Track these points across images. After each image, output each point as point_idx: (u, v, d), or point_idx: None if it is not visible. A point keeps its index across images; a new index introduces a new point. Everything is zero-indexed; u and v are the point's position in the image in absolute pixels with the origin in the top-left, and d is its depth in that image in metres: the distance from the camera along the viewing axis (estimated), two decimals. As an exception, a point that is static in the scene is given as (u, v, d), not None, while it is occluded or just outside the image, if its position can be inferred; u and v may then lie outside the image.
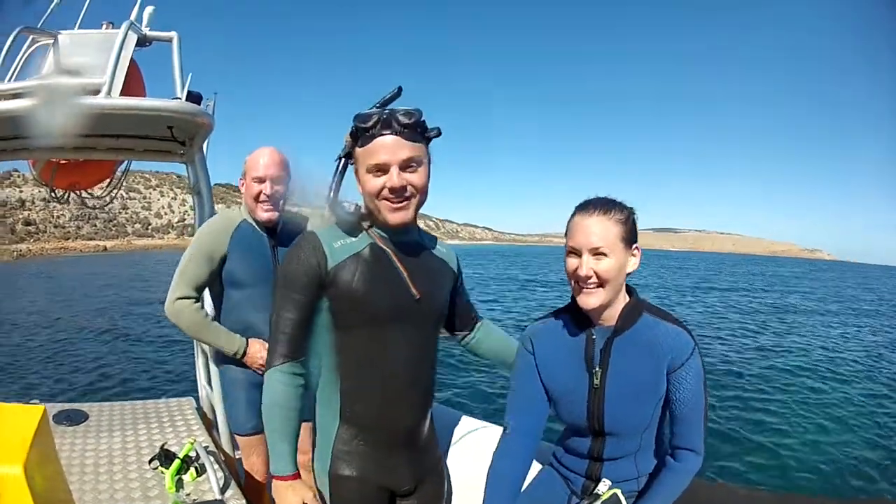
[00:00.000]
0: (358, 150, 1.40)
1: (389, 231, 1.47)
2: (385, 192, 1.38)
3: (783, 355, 11.67)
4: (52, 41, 2.89)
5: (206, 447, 2.45)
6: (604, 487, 1.47)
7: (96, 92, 2.60)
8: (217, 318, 2.34)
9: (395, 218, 1.41)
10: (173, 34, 3.11)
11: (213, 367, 2.67)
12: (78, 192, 3.93)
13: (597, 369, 1.44)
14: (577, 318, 1.50)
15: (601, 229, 1.36)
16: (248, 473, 2.39)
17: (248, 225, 2.25)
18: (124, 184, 4.20)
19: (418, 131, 1.39)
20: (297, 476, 1.45)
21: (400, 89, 1.43)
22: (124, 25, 2.91)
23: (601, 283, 1.38)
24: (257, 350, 2.19)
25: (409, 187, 1.39)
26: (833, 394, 8.83)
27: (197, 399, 3.35)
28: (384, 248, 1.47)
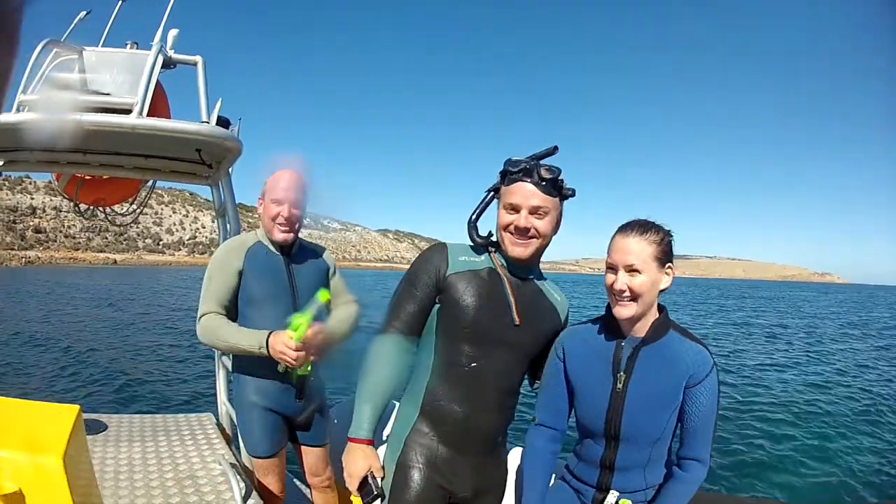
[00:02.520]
0: (503, 187, 1.61)
1: (510, 262, 1.63)
2: (511, 228, 1.58)
3: (795, 370, 11.65)
4: (76, 56, 2.90)
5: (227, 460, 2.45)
6: (612, 499, 1.57)
7: (127, 111, 2.60)
8: None
9: (514, 251, 1.59)
10: (198, 58, 3.13)
11: (233, 387, 2.63)
12: (102, 208, 3.92)
13: (621, 374, 1.54)
14: (609, 327, 1.62)
15: (636, 248, 1.49)
16: (266, 490, 2.34)
17: (262, 246, 2.25)
18: (147, 202, 4.21)
19: (554, 186, 1.56)
20: (371, 442, 1.56)
21: (555, 148, 1.61)
22: (154, 48, 2.92)
23: (634, 297, 1.49)
24: (280, 340, 2.04)
25: (532, 230, 1.56)
26: (840, 407, 8.88)
27: (216, 415, 3.33)
28: (501, 274, 1.63)
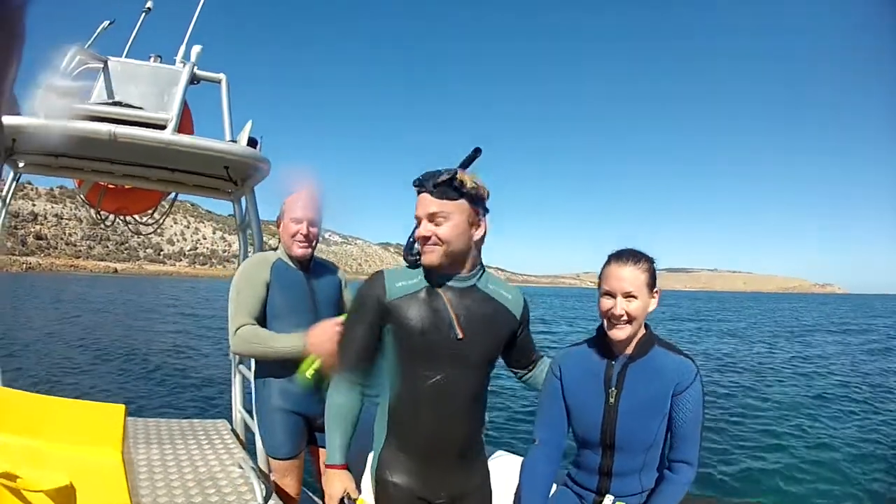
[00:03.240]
0: None
1: (445, 276, 1.67)
2: (420, 238, 1.64)
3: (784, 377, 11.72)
4: (101, 66, 2.95)
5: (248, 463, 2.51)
6: (608, 503, 1.69)
7: (161, 127, 2.65)
8: None
9: (424, 260, 1.64)
10: (222, 76, 3.19)
11: (254, 393, 2.69)
12: (123, 218, 3.97)
13: (613, 389, 1.68)
14: (600, 347, 1.75)
15: (632, 276, 1.64)
16: (283, 492, 2.42)
17: (282, 263, 2.38)
18: (169, 212, 4.25)
19: (451, 189, 1.59)
20: (344, 467, 1.71)
21: (477, 150, 1.66)
22: (188, 67, 2.99)
23: (629, 321, 1.63)
24: (317, 335, 2.16)
25: (433, 237, 1.60)
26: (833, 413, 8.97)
27: (230, 421, 3.37)
28: (438, 291, 1.67)
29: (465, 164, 1.63)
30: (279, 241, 2.41)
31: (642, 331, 1.71)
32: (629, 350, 1.69)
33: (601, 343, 1.75)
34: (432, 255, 1.63)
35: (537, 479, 1.80)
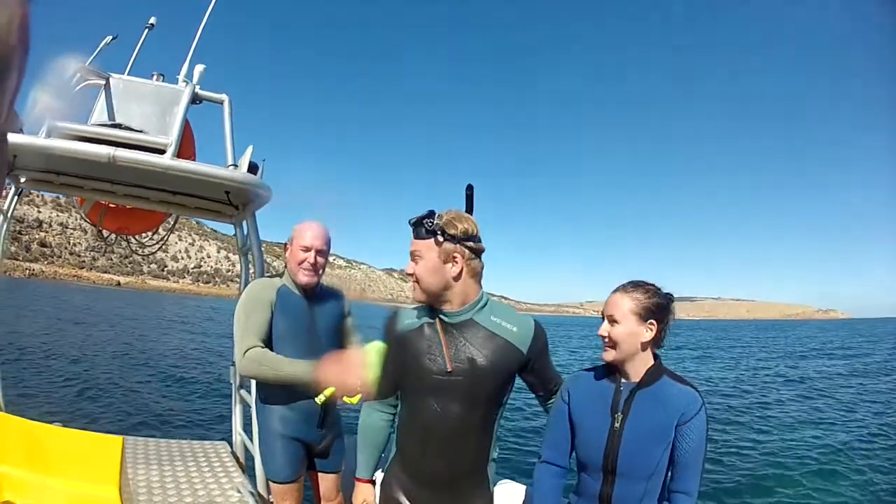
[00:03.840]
0: None
1: (443, 312, 1.74)
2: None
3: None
4: (103, 83, 2.94)
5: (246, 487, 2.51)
6: None
7: (161, 151, 2.63)
8: None
9: (412, 295, 1.76)
10: (224, 97, 3.17)
11: (254, 417, 2.69)
12: (125, 237, 3.93)
13: (619, 414, 1.69)
14: (609, 373, 1.78)
15: (618, 302, 1.70)
16: None
17: (286, 289, 2.39)
18: (169, 236, 4.22)
19: (423, 229, 1.70)
20: (370, 481, 1.93)
21: (470, 187, 1.80)
22: (188, 90, 2.97)
23: (612, 345, 1.69)
24: (328, 366, 2.13)
25: (413, 273, 1.73)
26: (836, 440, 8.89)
27: (230, 443, 3.34)
28: (435, 325, 1.75)
29: (469, 207, 1.78)
30: (285, 266, 2.43)
31: (651, 360, 1.72)
32: (637, 378, 1.70)
33: (611, 369, 1.77)
34: (413, 292, 1.76)
35: (547, 491, 1.85)
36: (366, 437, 1.92)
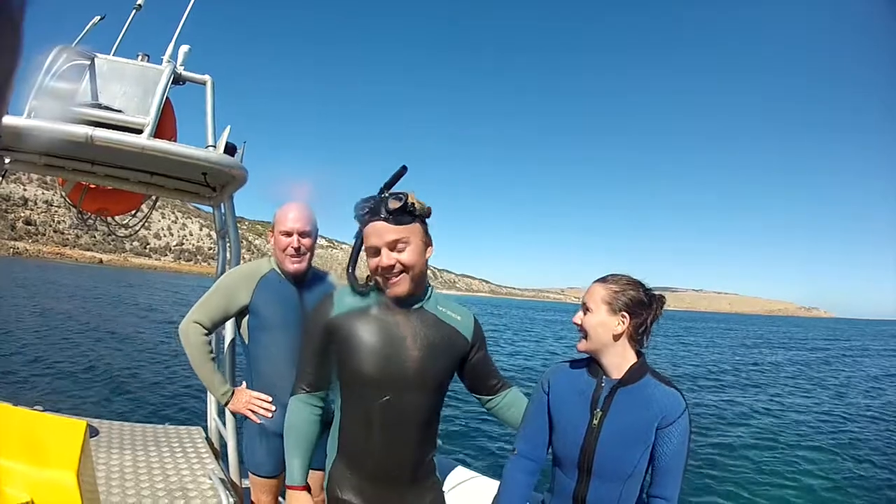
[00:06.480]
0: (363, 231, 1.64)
1: (394, 299, 1.65)
2: (379, 270, 1.60)
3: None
4: (88, 63, 2.91)
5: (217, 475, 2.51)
6: None
7: (138, 131, 2.63)
8: (249, 365, 2.40)
9: (394, 291, 1.62)
10: (207, 77, 3.14)
11: None
12: (105, 218, 3.93)
13: (598, 411, 1.63)
14: (592, 368, 1.71)
15: (592, 291, 1.68)
16: None
17: (275, 274, 2.33)
18: (149, 216, 4.22)
19: (405, 213, 1.58)
20: (304, 488, 1.73)
21: (404, 168, 1.64)
22: (167, 70, 2.95)
23: (584, 333, 1.67)
24: (243, 402, 2.31)
25: (397, 265, 1.58)
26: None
27: (205, 429, 3.34)
28: (390, 309, 1.65)
29: (391, 184, 1.63)
30: (272, 251, 2.35)
31: (634, 358, 1.67)
32: (619, 374, 1.65)
33: (592, 364, 1.72)
34: (403, 285, 1.61)
35: (517, 487, 1.77)
36: (298, 436, 1.72)
